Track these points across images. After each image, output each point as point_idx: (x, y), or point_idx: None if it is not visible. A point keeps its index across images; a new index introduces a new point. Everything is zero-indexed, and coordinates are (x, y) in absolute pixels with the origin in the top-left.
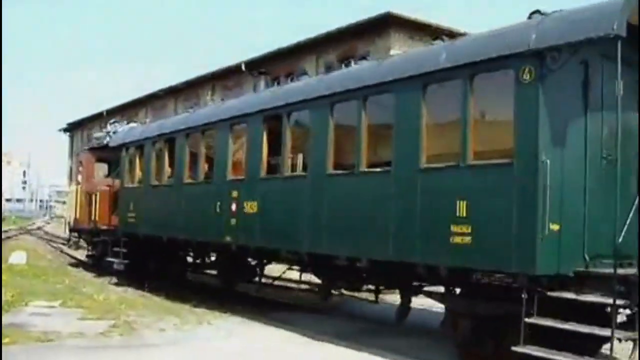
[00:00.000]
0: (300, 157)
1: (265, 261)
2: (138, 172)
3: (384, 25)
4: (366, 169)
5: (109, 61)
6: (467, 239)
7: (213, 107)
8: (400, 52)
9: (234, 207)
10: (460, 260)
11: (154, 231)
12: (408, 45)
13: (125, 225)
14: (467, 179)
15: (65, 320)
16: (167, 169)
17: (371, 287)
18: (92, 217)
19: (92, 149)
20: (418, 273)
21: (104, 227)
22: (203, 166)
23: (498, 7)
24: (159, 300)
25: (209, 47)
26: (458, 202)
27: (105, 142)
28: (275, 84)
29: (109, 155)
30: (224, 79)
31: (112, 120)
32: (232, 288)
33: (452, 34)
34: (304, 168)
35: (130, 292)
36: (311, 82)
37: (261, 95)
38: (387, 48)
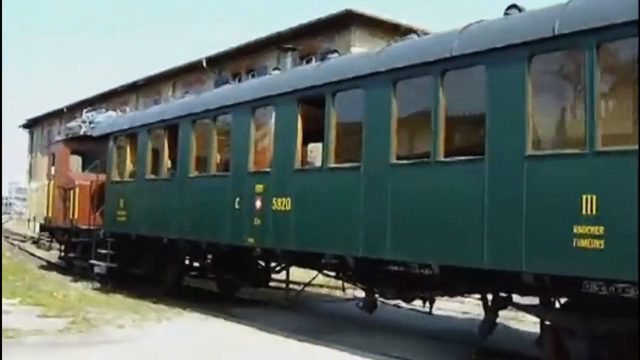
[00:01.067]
0: (348, 144)
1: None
2: (129, 165)
3: (345, 22)
4: (444, 159)
5: (68, 56)
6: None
7: (229, 88)
8: (361, 50)
9: (258, 204)
10: (586, 267)
11: (151, 231)
12: (369, 42)
13: (112, 224)
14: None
15: (24, 318)
16: (167, 161)
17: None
18: (70, 215)
19: (66, 140)
20: (512, 282)
21: (84, 227)
22: (215, 157)
23: (463, 6)
24: (119, 298)
25: (170, 43)
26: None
27: (82, 132)
28: (237, 80)
29: (85, 146)
30: (185, 75)
31: (87, 109)
32: (232, 294)
33: (411, 31)
34: (356, 158)
35: (90, 290)
36: (367, 54)
37: (295, 73)
38: (347, 45)
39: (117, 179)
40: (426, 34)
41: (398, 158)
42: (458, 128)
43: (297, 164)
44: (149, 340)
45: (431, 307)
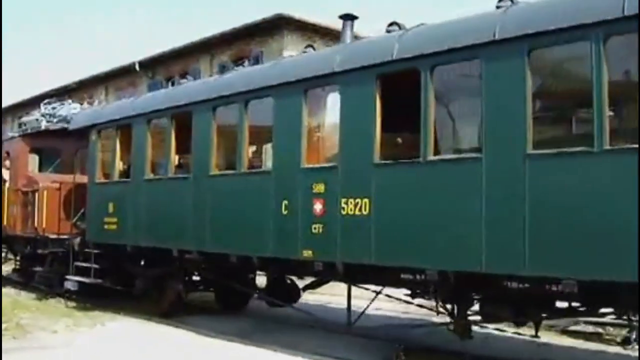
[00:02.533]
0: (454, 130)
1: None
2: (120, 163)
3: (278, 26)
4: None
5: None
6: None
7: (268, 66)
8: (294, 54)
9: (318, 207)
10: None
11: (154, 242)
12: (301, 46)
13: (98, 234)
14: None
15: None
16: (175, 157)
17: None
18: (34, 223)
19: (25, 137)
20: None
21: (54, 236)
22: (246, 151)
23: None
24: (53, 303)
25: (101, 46)
26: None
27: (43, 126)
28: (170, 84)
29: (47, 143)
30: (117, 78)
31: (45, 101)
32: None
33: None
34: (475, 147)
35: (23, 295)
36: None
37: (374, 43)
38: (280, 49)
39: (104, 179)
40: (357, 38)
41: (537, 146)
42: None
43: (377, 157)
44: (83, 345)
45: (537, 332)
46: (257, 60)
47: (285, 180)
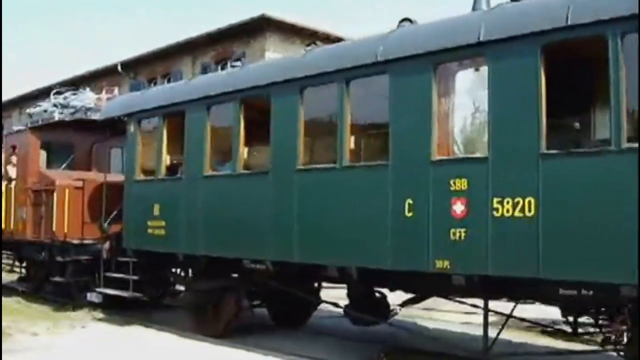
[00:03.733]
0: None
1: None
2: (166, 157)
3: (260, 27)
4: None
5: None
6: None
7: (378, 38)
8: (276, 55)
9: (459, 207)
10: None
11: (218, 250)
12: (283, 48)
13: (140, 239)
14: None
15: None
16: (243, 150)
17: None
18: (51, 227)
19: (35, 129)
20: None
21: (76, 242)
22: (347, 140)
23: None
24: (34, 306)
25: (83, 46)
26: None
27: (56, 117)
28: (152, 85)
29: (60, 136)
30: (100, 79)
31: (55, 90)
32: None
33: (328, 38)
34: None
35: (35, 308)
36: None
37: (534, 6)
38: (262, 50)
39: (146, 177)
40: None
41: None
42: None
43: (544, 146)
44: (62, 347)
45: None
46: (239, 62)
47: (410, 174)
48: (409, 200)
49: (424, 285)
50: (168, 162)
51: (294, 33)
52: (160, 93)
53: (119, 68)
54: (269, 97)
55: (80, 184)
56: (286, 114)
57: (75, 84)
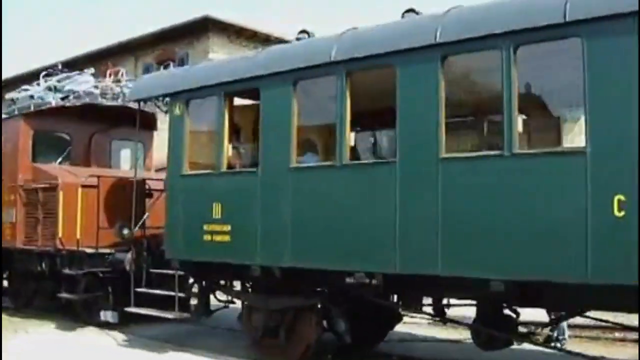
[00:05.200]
0: None
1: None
2: (228, 146)
3: (203, 28)
4: None
5: None
6: None
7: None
8: (219, 56)
9: None
10: None
11: (312, 261)
12: (227, 48)
13: (191, 248)
14: None
15: None
16: (349, 136)
17: None
18: (55, 233)
19: (28, 116)
20: None
21: (90, 251)
22: (517, 123)
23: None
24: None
25: (23, 45)
26: None
27: (52, 101)
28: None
29: (56, 125)
30: (20, 85)
31: (45, 72)
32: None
33: (268, 39)
34: None
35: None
36: None
37: None
38: (205, 52)
39: (198, 171)
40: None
41: None
42: None
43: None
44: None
45: None
46: (182, 63)
47: (617, 164)
48: (620, 197)
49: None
50: (230, 152)
51: (237, 34)
52: (220, 67)
53: (60, 67)
54: (393, 68)
55: (94, 181)
56: (417, 89)
57: (12, 85)
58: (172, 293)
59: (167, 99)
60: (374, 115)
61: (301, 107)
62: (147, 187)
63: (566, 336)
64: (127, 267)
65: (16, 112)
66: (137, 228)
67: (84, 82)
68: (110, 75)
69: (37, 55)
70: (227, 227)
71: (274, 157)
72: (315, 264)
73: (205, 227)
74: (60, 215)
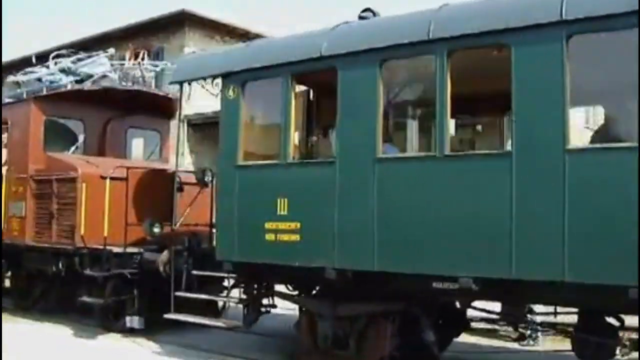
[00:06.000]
0: None
1: None
2: (295, 133)
3: (180, 22)
4: None
5: None
6: None
7: None
8: (196, 50)
9: None
10: None
11: (406, 265)
12: (204, 43)
13: (249, 248)
14: None
15: None
16: (449, 122)
17: None
18: (75, 229)
19: (39, 99)
20: None
21: (118, 250)
22: None
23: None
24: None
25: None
26: None
27: (68, 84)
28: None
29: (70, 110)
30: (14, 71)
31: (55, 53)
32: None
33: (246, 35)
34: None
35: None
36: None
37: None
38: (181, 46)
39: (257, 161)
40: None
41: None
42: None
43: None
44: None
45: None
46: (157, 57)
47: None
48: None
49: None
50: (296, 140)
51: (213, 29)
52: (286, 45)
53: (33, 60)
54: (508, 48)
55: (123, 173)
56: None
57: None
58: (223, 298)
59: (218, 80)
60: (474, 100)
61: (387, 90)
62: (178, 180)
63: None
64: (161, 269)
65: (25, 96)
66: (178, 225)
67: (99, 65)
68: (131, 57)
69: (11, 47)
70: (296, 225)
71: (355, 146)
72: (406, 268)
73: (267, 225)
74: (82, 210)
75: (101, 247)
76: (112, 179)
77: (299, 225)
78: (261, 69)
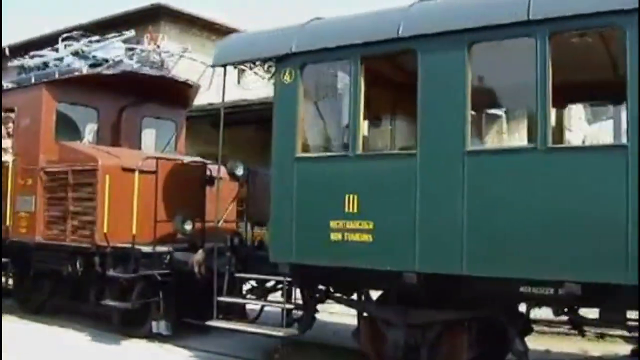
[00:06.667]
0: None
1: None
2: (363, 123)
3: (155, 16)
4: None
5: None
6: None
7: None
8: (171, 45)
9: None
10: None
11: (504, 269)
12: (179, 38)
13: (311, 249)
14: None
15: None
16: (549, 112)
17: None
18: (96, 226)
19: (52, 84)
20: None
21: (147, 249)
22: None
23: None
24: None
25: None
26: None
27: (83, 67)
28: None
29: (83, 97)
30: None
31: (65, 35)
32: None
33: (222, 30)
34: None
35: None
36: None
37: None
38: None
39: (317, 153)
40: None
41: None
42: None
43: None
44: None
45: None
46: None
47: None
48: None
49: None
50: (365, 131)
51: (189, 23)
52: (352, 24)
53: (7, 52)
54: (622, 30)
55: (152, 166)
56: None
57: None
58: (276, 305)
59: (270, 63)
60: (577, 87)
61: (476, 76)
62: (208, 173)
63: None
64: (196, 270)
65: (33, 81)
66: (221, 221)
67: (113, 49)
68: (149, 41)
69: None
70: (369, 225)
71: (439, 137)
72: (501, 272)
73: (333, 224)
74: (105, 205)
75: (128, 245)
76: (141, 172)
77: (371, 224)
78: (324, 51)
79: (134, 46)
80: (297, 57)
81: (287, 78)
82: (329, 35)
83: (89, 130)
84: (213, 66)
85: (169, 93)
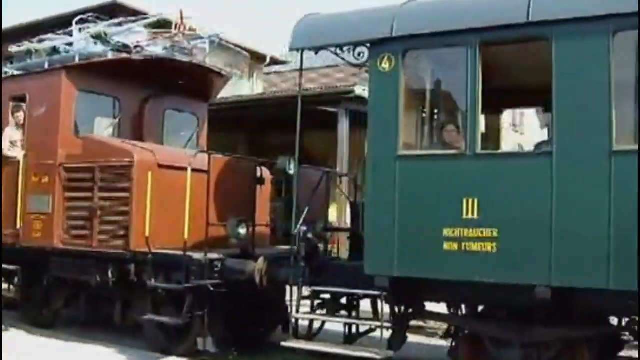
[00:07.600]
0: None
1: None
2: (480, 117)
3: (111, 13)
4: None
5: None
6: None
7: None
8: None
9: None
10: None
11: None
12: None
13: (416, 261)
14: None
15: None
16: None
17: None
18: (128, 230)
19: (72, 69)
20: None
21: (198, 257)
22: None
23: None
24: None
25: None
26: None
27: (108, 52)
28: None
29: (105, 85)
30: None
31: (79, 18)
32: None
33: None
34: None
35: None
36: None
37: None
38: None
39: (422, 151)
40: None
41: None
42: None
43: None
44: None
45: None
46: None
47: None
48: None
49: None
50: (483, 128)
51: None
52: (468, 5)
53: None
54: None
55: (203, 164)
56: None
57: None
58: (370, 323)
59: (361, 48)
60: None
61: (619, 67)
62: (258, 172)
63: None
64: (257, 280)
65: (47, 66)
66: (299, 226)
67: (134, 34)
68: (178, 28)
69: None
70: (491, 233)
71: (579, 134)
72: None
73: (446, 232)
74: (147, 207)
75: (177, 252)
76: (195, 170)
77: (496, 232)
78: (433, 36)
79: (159, 30)
80: (397, 41)
81: (385, 66)
82: (440, 18)
83: (108, 123)
84: (291, 50)
85: (197, 83)
